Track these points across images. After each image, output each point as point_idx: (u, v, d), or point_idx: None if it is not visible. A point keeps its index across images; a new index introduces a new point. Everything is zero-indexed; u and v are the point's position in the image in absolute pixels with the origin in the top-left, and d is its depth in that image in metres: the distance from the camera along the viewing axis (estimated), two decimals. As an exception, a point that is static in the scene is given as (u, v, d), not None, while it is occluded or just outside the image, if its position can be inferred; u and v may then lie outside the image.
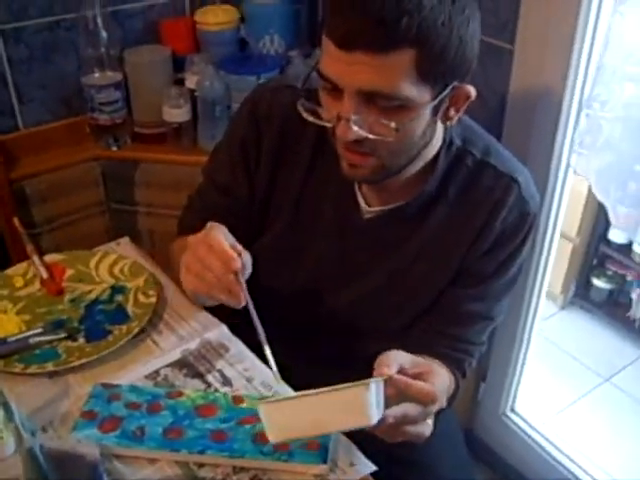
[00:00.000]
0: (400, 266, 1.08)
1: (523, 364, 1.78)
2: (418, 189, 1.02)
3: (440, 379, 0.90)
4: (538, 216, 1.07)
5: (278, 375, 0.90)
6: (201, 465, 0.90)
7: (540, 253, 1.58)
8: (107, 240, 1.35)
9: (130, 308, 1.15)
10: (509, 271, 1.07)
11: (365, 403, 0.76)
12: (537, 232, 1.52)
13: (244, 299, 0.90)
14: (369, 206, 1.06)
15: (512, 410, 1.86)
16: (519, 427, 1.83)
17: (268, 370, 1.04)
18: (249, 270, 0.96)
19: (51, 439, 0.69)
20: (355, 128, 0.86)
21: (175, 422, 0.93)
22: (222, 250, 0.89)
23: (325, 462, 0.88)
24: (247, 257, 0.95)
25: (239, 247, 0.93)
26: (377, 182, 1.01)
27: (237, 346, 1.10)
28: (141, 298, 1.16)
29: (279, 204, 1.11)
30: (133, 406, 0.95)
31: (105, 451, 0.89)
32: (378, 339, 1.13)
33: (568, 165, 1.46)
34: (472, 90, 0.92)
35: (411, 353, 1.05)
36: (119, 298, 1.17)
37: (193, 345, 1.09)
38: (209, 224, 0.95)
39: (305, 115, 0.91)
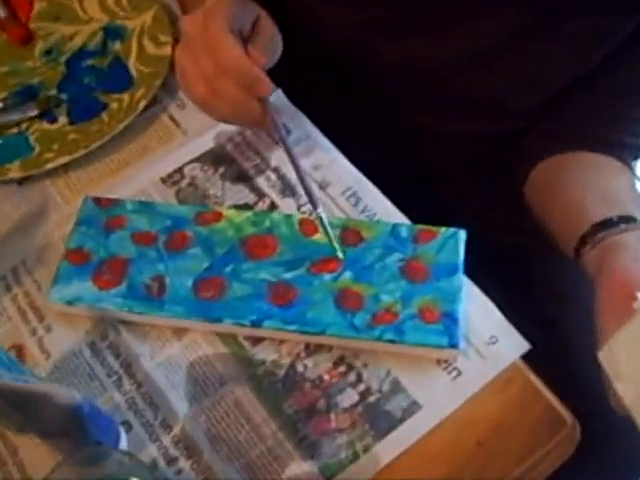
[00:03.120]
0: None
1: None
2: None
3: None
4: None
5: (320, 209, 0.59)
6: (257, 340, 0.57)
7: None
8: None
9: (133, 64, 0.76)
10: None
11: None
12: None
13: (276, 135, 0.62)
14: None
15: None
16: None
17: (355, 170, 0.67)
18: (278, 54, 0.63)
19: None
20: None
21: (212, 268, 0.58)
22: (238, 69, 0.57)
23: (454, 345, 0.54)
24: (277, 39, 0.63)
25: (259, 42, 0.60)
26: None
27: (302, 124, 0.69)
28: (149, 47, 0.76)
29: None
30: (144, 239, 0.61)
31: (107, 316, 0.58)
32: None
33: None
34: None
35: (575, 147, 0.73)
36: (116, 46, 0.78)
37: (233, 125, 0.71)
38: (207, 3, 0.59)
39: None
